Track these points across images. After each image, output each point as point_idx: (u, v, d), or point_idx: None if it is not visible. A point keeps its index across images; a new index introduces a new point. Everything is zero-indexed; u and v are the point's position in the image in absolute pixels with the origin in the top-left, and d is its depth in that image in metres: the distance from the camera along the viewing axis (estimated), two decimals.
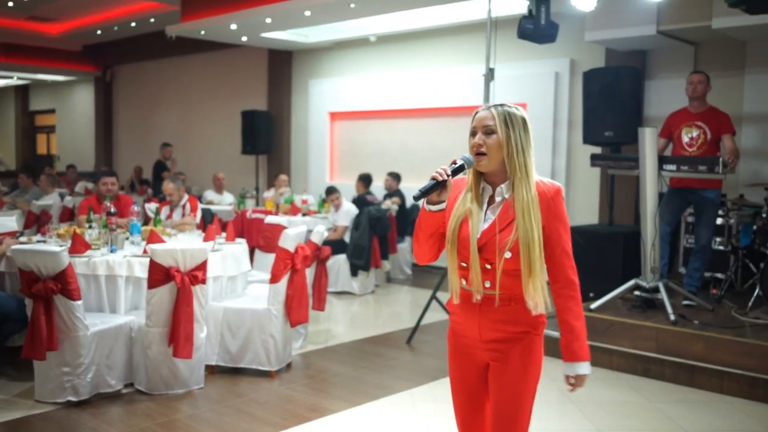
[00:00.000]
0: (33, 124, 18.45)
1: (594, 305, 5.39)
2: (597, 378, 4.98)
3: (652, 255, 5.33)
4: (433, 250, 2.29)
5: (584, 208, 8.01)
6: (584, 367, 2.23)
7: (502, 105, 2.20)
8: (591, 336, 5.16)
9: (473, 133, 2.20)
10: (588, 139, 6.60)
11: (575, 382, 2.24)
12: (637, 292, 5.47)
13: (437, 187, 2.13)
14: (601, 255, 6.36)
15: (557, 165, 8.20)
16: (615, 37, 6.97)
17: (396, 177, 9.08)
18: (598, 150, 6.98)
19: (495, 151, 2.16)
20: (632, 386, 4.82)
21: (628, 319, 5.20)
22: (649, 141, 5.26)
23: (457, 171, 2.18)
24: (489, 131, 2.17)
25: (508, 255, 2.14)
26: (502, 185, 2.20)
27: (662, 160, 5.31)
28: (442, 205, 2.18)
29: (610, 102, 6.32)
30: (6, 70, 14.63)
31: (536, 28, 5.38)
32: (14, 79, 16.68)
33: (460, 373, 2.35)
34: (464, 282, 2.23)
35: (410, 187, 9.34)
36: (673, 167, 5.26)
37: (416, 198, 2.14)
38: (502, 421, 2.27)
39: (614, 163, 5.71)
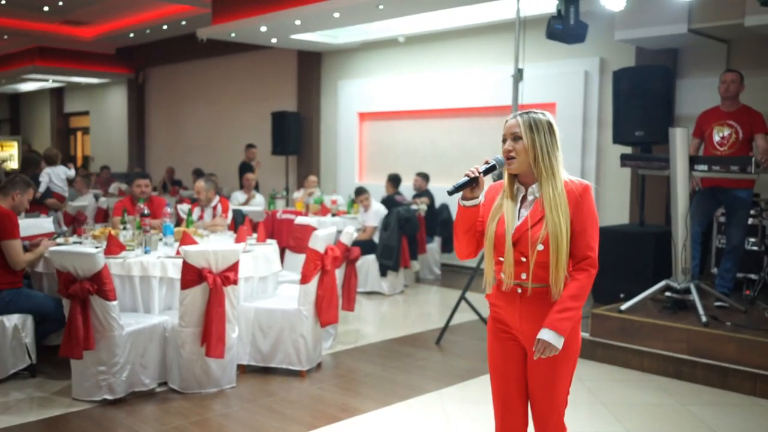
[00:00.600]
0: (68, 125, 18.82)
1: (624, 306, 5.36)
2: (628, 379, 4.96)
3: (683, 255, 5.28)
4: (471, 245, 2.48)
5: (615, 208, 7.95)
6: (548, 335, 2.30)
7: (528, 112, 2.40)
8: (622, 337, 5.20)
9: (504, 140, 2.41)
10: (618, 139, 6.56)
11: (540, 345, 2.32)
12: (668, 293, 5.42)
13: (469, 183, 2.35)
14: (631, 256, 6.32)
15: (587, 165, 8.15)
16: (645, 36, 6.90)
17: (425, 177, 9.10)
18: (628, 150, 6.94)
19: (523, 154, 2.36)
20: (663, 388, 4.78)
21: (658, 320, 5.16)
22: (680, 141, 5.21)
23: (488, 170, 2.37)
24: (516, 137, 2.37)
25: (540, 248, 2.32)
26: (533, 185, 2.40)
27: (693, 160, 5.26)
28: (476, 201, 2.39)
29: (641, 101, 6.28)
30: (42, 74, 14.95)
31: (565, 29, 5.36)
32: (50, 82, 17.03)
33: (501, 357, 2.52)
34: (503, 275, 2.41)
35: (439, 187, 9.35)
36: (704, 167, 5.21)
37: (450, 193, 2.36)
38: (541, 402, 2.47)
39: (644, 163, 5.67)
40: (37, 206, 7.40)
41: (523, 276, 2.38)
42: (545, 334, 2.31)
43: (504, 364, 2.52)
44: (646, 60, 7.44)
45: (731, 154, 5.45)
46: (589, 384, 4.85)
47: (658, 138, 6.17)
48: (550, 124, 2.38)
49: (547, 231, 2.31)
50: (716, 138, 5.58)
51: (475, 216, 2.43)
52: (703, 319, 4.98)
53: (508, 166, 2.39)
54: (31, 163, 8.55)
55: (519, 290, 2.40)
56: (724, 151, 5.53)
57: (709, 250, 6.69)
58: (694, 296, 5.19)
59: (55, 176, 8.56)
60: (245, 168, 10.48)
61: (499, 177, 2.45)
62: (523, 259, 2.36)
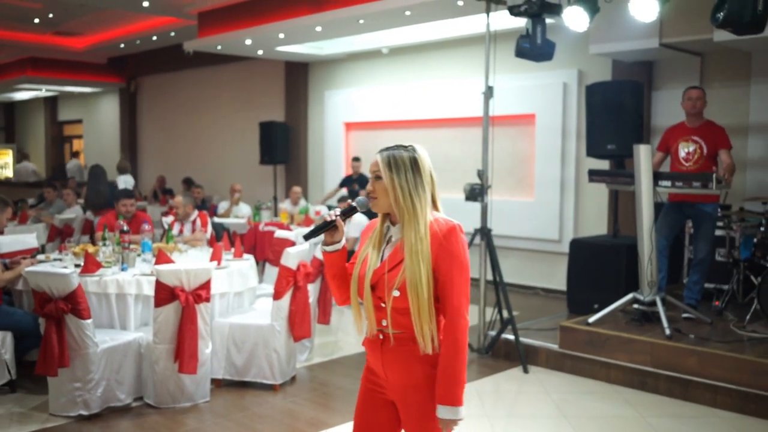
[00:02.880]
0: (61, 133, 18.96)
1: (592, 319, 5.49)
2: (593, 391, 5.08)
3: (649, 269, 5.41)
4: (344, 291, 2.34)
5: (594, 219, 8.07)
6: (445, 411, 2.15)
7: (390, 148, 2.26)
8: (589, 349, 5.33)
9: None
10: (591, 152, 6.68)
11: (444, 424, 2.17)
12: (635, 306, 5.55)
13: (325, 227, 2.26)
14: (604, 267, 6.45)
15: (566, 176, 8.26)
16: (619, 50, 7.03)
17: None
18: (601, 163, 7.06)
19: (383, 194, 2.23)
20: (627, 400, 4.91)
21: (624, 332, 5.29)
22: (644, 157, 5.35)
23: (347, 213, 2.28)
24: (377, 176, 2.25)
25: (396, 294, 2.17)
26: (397, 226, 2.27)
27: (657, 176, 5.39)
28: (337, 246, 2.28)
29: (613, 115, 6.39)
30: (35, 83, 15.09)
31: (533, 47, 5.49)
32: (43, 91, 17.17)
33: (366, 410, 2.36)
34: (364, 320, 2.29)
35: None
36: (668, 183, 5.34)
37: (306, 238, 2.32)
38: None
39: (611, 178, 5.79)
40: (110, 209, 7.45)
41: (384, 322, 2.22)
42: (443, 412, 2.15)
43: (367, 418, 2.36)
44: (623, 72, 7.56)
45: (696, 170, 5.57)
46: (555, 396, 4.97)
47: (629, 151, 6.23)
48: (414, 161, 2.23)
49: (405, 277, 2.15)
50: (682, 153, 5.71)
51: (340, 261, 2.30)
52: (667, 331, 5.10)
53: (372, 207, 2.26)
54: (99, 175, 9.62)
55: (381, 336, 2.25)
56: (689, 167, 5.65)
57: (681, 261, 6.81)
58: (659, 309, 5.31)
59: (129, 183, 10.60)
60: (347, 182, 9.99)
61: None
62: (383, 305, 2.21)
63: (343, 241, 2.29)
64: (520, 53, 5.59)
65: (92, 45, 13.15)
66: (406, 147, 2.26)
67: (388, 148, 2.26)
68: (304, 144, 11.53)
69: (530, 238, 8.54)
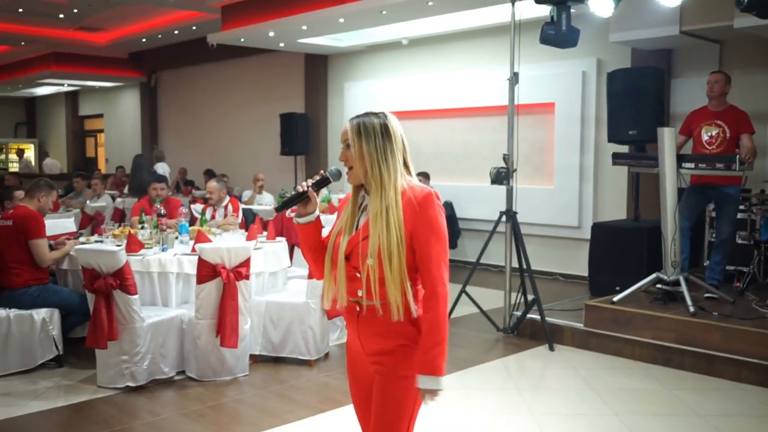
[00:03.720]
0: (83, 128, 19.22)
1: (616, 298, 5.63)
2: (619, 367, 5.23)
3: (673, 249, 5.55)
4: (320, 264, 2.27)
5: (613, 206, 8.20)
6: (425, 381, 2.09)
7: (361, 116, 2.19)
8: (614, 327, 5.48)
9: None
10: (612, 138, 6.80)
11: (424, 395, 2.11)
12: (658, 285, 5.69)
13: (298, 199, 2.21)
14: (626, 250, 6.58)
15: (585, 163, 8.40)
16: (639, 38, 7.15)
17: (425, 176, 9.39)
18: (623, 149, 7.19)
19: (357, 163, 2.16)
20: (652, 375, 5.06)
21: (649, 311, 5.43)
22: (668, 140, 5.48)
23: (320, 184, 2.22)
24: (347, 145, 2.19)
25: (370, 262, 2.10)
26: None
27: (681, 158, 5.52)
28: (310, 218, 2.23)
29: (634, 101, 6.51)
30: (58, 78, 15.33)
31: (558, 34, 5.63)
32: (65, 86, 17.42)
33: (354, 383, 2.35)
34: (340, 291, 2.21)
35: (442, 185, 9.64)
36: (691, 165, 5.47)
37: (277, 211, 2.37)
38: None
39: (635, 161, 5.93)
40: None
41: (359, 293, 2.15)
42: (423, 382, 2.09)
43: (355, 390, 2.34)
44: (642, 60, 7.68)
45: (719, 153, 5.70)
46: (582, 372, 5.12)
47: (650, 137, 6.38)
48: (384, 127, 2.16)
49: (378, 245, 2.08)
50: (705, 137, 5.84)
51: (315, 233, 2.27)
52: (691, 309, 5.24)
53: (347, 178, 2.20)
54: (142, 164, 10.59)
55: (357, 308, 2.19)
56: (712, 150, 5.78)
57: (701, 244, 6.94)
58: (683, 288, 5.45)
59: (166, 171, 11.70)
60: None
61: None
62: (357, 275, 2.14)
63: (317, 213, 2.25)
64: (545, 40, 5.73)
65: (114, 40, 13.37)
66: (376, 114, 2.18)
67: (358, 116, 2.19)
68: (324, 135, 11.70)
69: (550, 224, 8.68)
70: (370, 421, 2.25)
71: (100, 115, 18.04)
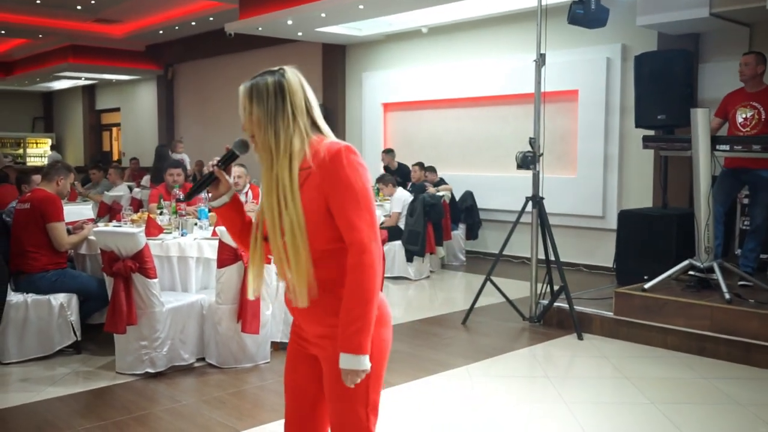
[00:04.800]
0: (99, 121, 19.23)
1: (648, 285, 5.46)
2: (651, 356, 5.06)
3: (706, 235, 5.37)
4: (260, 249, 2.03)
5: (638, 193, 8.02)
6: (346, 360, 1.83)
7: (254, 77, 1.95)
8: (645, 315, 5.30)
9: None
10: (640, 123, 6.62)
11: (345, 375, 1.85)
12: (691, 273, 5.51)
13: (207, 181, 1.98)
14: (654, 238, 6.41)
15: (609, 151, 8.22)
16: (667, 21, 6.96)
17: (432, 169, 9.25)
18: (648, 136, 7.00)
19: (256, 130, 1.92)
20: (687, 364, 4.89)
21: (682, 298, 5.25)
22: (701, 121, 5.30)
23: (227, 160, 1.99)
24: (245, 112, 1.94)
25: (285, 241, 1.87)
26: None
27: (715, 140, 5.34)
28: (224, 199, 2.01)
29: (662, 85, 6.33)
30: (75, 71, 15.33)
31: (586, 13, 5.47)
32: (82, 80, 17.43)
33: (292, 365, 2.10)
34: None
35: (463, 176, 9.49)
36: (726, 147, 5.29)
37: (186, 199, 2.15)
38: (338, 416, 1.98)
39: (666, 144, 5.76)
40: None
41: (288, 273, 1.91)
42: (344, 361, 1.83)
43: (296, 372, 2.09)
44: (668, 45, 7.48)
45: (754, 135, 5.51)
46: (613, 361, 4.96)
47: (680, 121, 6.22)
48: (278, 85, 1.89)
49: (280, 222, 1.86)
50: (739, 119, 5.65)
51: (235, 215, 2.04)
52: (727, 296, 5.06)
53: (254, 147, 1.96)
54: (163, 154, 11.06)
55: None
56: (747, 132, 5.60)
57: (732, 231, 6.75)
58: (717, 274, 5.27)
59: (185, 160, 11.96)
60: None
61: None
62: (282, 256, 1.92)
63: (231, 193, 2.02)
64: (573, 20, 5.57)
65: (131, 32, 13.33)
66: (273, 71, 1.92)
67: (252, 77, 1.94)
68: (342, 125, 11.58)
69: (573, 214, 8.50)
70: (325, 410, 2.04)
71: (117, 109, 18.03)
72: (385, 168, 9.95)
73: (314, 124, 1.93)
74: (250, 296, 2.07)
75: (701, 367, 4.80)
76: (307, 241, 1.85)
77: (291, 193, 1.84)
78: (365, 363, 1.83)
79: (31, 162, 19.33)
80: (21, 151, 20.18)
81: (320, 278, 1.89)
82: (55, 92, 20.42)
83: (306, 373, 2.06)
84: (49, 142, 20.13)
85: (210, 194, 2.03)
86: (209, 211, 5.79)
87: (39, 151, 20.14)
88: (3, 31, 12.88)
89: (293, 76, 1.92)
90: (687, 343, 5.14)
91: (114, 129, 18.71)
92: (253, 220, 2.04)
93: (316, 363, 2.03)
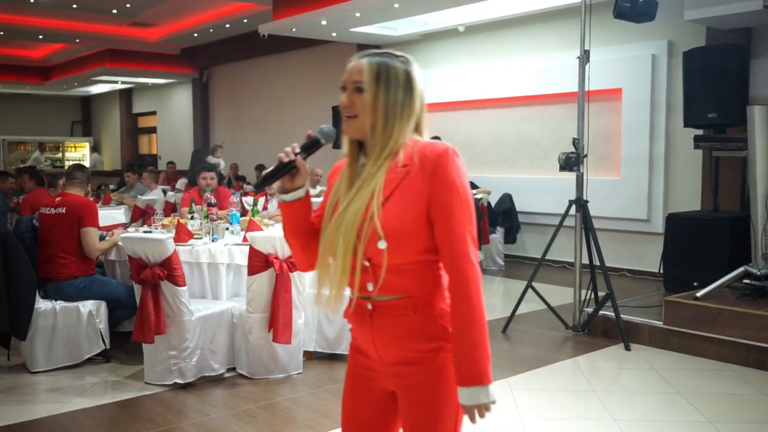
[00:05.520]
0: (136, 125, 19.38)
1: (700, 293, 5.16)
2: (704, 369, 4.77)
3: (764, 240, 5.06)
4: (311, 252, 1.80)
5: (686, 195, 7.68)
6: (468, 395, 1.62)
7: (380, 53, 1.71)
8: (697, 325, 5.01)
9: (343, 88, 1.72)
10: (690, 122, 6.32)
11: (470, 412, 1.64)
12: (746, 280, 5.20)
13: (284, 170, 1.71)
14: (705, 243, 6.09)
15: (655, 151, 7.89)
16: (717, 15, 6.61)
17: None
18: (699, 133, 6.69)
19: (364, 112, 1.68)
20: (744, 378, 4.58)
21: (738, 307, 4.95)
22: (758, 120, 4.99)
23: (309, 148, 1.74)
24: (358, 87, 1.69)
25: (383, 245, 1.64)
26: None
27: None
28: (299, 193, 1.75)
29: (713, 82, 6.03)
30: (111, 75, 15.44)
31: (634, 7, 5.20)
32: (119, 84, 17.58)
33: (354, 401, 1.84)
34: (335, 285, 1.73)
35: (500, 178, 9.23)
36: None
37: (256, 187, 1.80)
38: None
39: (720, 144, 5.46)
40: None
41: (370, 287, 1.69)
42: (465, 396, 1.62)
43: (356, 411, 1.83)
44: (718, 41, 7.12)
45: None
46: (664, 373, 4.68)
47: (732, 120, 5.91)
48: (407, 76, 1.70)
49: (391, 223, 1.63)
50: None
51: (304, 213, 1.77)
52: None
53: (346, 128, 1.71)
54: (200, 157, 11.41)
55: (369, 306, 1.71)
56: None
57: None
58: None
59: (221, 164, 12.28)
60: None
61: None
62: (366, 263, 1.68)
63: (306, 187, 1.77)
64: (620, 14, 5.30)
65: (166, 35, 13.35)
66: (398, 56, 1.72)
67: (375, 53, 1.71)
68: None
69: (616, 217, 8.19)
70: None
71: (154, 113, 18.15)
72: None
73: (418, 128, 1.76)
74: (323, 306, 1.81)
75: (760, 383, 4.49)
76: (420, 246, 1.66)
77: (380, 194, 1.64)
78: (492, 393, 1.62)
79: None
80: (60, 155, 20.44)
81: (405, 294, 1.68)
82: (93, 96, 20.65)
83: (374, 411, 1.81)
84: (87, 145, 20.36)
85: (282, 186, 1.75)
86: (242, 215, 5.65)
87: (77, 155, 20.37)
88: (41, 36, 12.99)
89: (418, 70, 1.74)
90: (744, 356, 4.83)
91: (152, 134, 18.83)
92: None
93: (388, 399, 1.79)
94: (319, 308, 1.86)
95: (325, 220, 1.74)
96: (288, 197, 1.74)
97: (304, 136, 1.76)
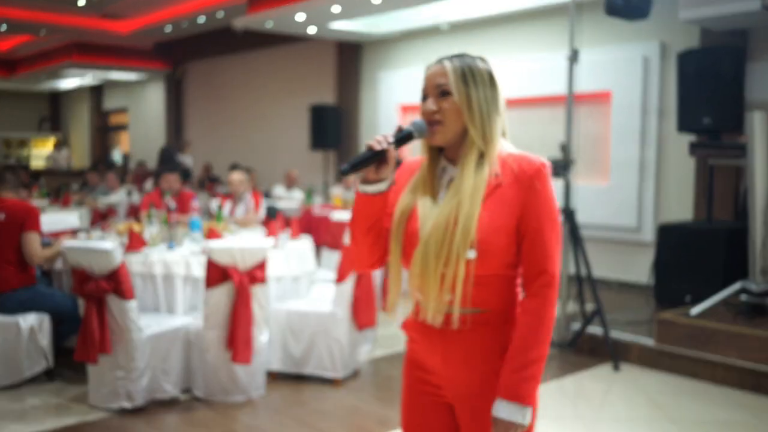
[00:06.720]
0: (106, 123, 18.80)
1: (694, 311, 4.84)
2: (698, 392, 4.44)
3: (762, 254, 4.73)
4: (376, 251, 1.72)
5: (676, 203, 7.37)
6: (507, 409, 1.58)
7: (458, 56, 1.69)
8: (691, 344, 4.65)
9: (424, 97, 1.69)
10: (683, 127, 6.00)
11: (501, 428, 1.59)
12: (743, 297, 4.87)
13: (373, 158, 1.61)
14: (698, 255, 5.76)
15: (646, 156, 7.57)
16: (713, 15, 6.30)
17: None
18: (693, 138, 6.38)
19: (452, 117, 1.65)
20: (741, 403, 4.26)
21: (734, 327, 4.62)
22: (758, 126, 4.67)
23: (403, 140, 1.66)
24: (444, 92, 1.65)
25: (471, 255, 1.58)
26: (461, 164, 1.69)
27: None
28: (382, 186, 1.65)
29: (708, 86, 5.73)
30: (80, 69, 14.88)
31: (626, 3, 4.85)
32: (89, 79, 17.00)
33: (417, 419, 1.78)
34: (420, 298, 1.67)
35: None
36: None
37: (344, 172, 1.64)
38: None
39: (717, 151, 5.14)
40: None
41: (447, 297, 1.62)
42: (502, 410, 1.57)
43: (428, 428, 1.77)
44: (713, 42, 6.82)
45: None
46: (655, 397, 4.34)
47: (728, 125, 5.61)
48: (491, 76, 1.69)
49: (483, 231, 1.59)
50: None
51: (379, 209, 1.68)
52: None
53: (431, 135, 1.66)
54: (168, 155, 10.70)
55: (442, 318, 1.67)
56: None
57: None
58: None
59: (188, 162, 11.94)
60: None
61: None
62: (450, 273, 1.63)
63: (390, 181, 1.66)
64: (612, 10, 4.97)
65: (138, 29, 12.83)
66: (473, 56, 1.70)
67: (451, 56, 1.68)
68: (356, 128, 11.02)
69: (604, 226, 7.86)
70: None
71: (125, 110, 17.60)
72: None
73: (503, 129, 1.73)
74: (398, 320, 1.78)
75: (758, 408, 4.18)
76: (508, 258, 1.64)
77: (476, 201, 1.60)
78: (528, 416, 1.59)
79: (35, 164, 18.84)
80: (26, 152, 19.79)
81: (485, 308, 1.65)
82: (62, 92, 20.03)
83: (441, 428, 1.76)
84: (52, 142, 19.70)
85: (366, 176, 1.64)
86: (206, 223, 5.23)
87: (45, 153, 19.73)
88: (4, 26, 12.42)
89: (497, 70, 1.72)
90: (740, 379, 4.50)
91: (120, 131, 18.27)
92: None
93: (450, 414, 1.75)
94: (390, 317, 1.76)
95: (395, 222, 1.69)
96: (371, 189, 1.65)
97: (394, 128, 1.69)
